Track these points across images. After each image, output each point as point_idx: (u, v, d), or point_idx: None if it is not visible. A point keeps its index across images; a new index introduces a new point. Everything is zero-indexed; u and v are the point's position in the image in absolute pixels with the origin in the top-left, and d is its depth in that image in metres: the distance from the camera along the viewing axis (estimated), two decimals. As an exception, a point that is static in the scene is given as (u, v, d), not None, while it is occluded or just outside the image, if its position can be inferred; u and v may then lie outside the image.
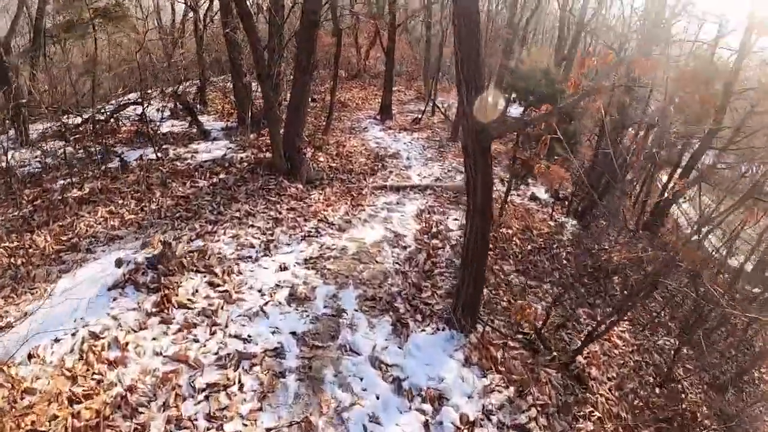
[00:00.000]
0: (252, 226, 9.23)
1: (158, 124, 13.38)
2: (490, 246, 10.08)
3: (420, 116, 20.24)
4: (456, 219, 11.33)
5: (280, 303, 6.91)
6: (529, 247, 10.81)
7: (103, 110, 12.25)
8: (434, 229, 10.47)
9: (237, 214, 9.54)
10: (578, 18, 24.28)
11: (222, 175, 10.76)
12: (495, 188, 14.36)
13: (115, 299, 6.58)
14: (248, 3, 13.89)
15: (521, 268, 9.94)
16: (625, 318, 10.20)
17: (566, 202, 14.77)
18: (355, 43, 26.04)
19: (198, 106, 15.94)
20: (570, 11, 26.37)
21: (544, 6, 31.26)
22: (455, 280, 8.39)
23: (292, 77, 11.05)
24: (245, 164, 11.27)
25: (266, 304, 6.85)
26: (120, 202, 9.51)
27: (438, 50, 22.31)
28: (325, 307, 7.06)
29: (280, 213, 9.83)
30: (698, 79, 16.33)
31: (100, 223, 8.86)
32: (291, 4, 16.80)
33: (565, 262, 10.92)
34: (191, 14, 16.94)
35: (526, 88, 10.45)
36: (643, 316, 11.05)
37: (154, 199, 9.67)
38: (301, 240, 8.96)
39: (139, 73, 13.24)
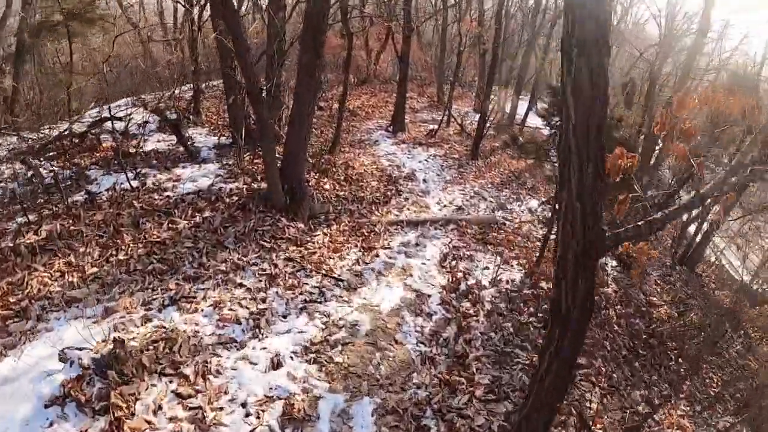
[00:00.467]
0: (240, 285, 7.34)
1: (142, 140, 11.48)
2: (529, 309, 8.20)
3: (436, 128, 18.23)
4: (487, 267, 9.40)
5: (269, 428, 4.97)
6: (575, 306, 8.86)
7: (70, 129, 10.27)
8: (463, 285, 8.56)
9: (223, 267, 7.64)
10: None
11: (207, 213, 8.82)
12: (525, 221, 12.57)
13: (51, 425, 4.68)
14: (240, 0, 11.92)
15: (569, 337, 7.99)
16: (682, 395, 8.40)
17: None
18: (365, 46, 24.03)
19: (190, 116, 14.02)
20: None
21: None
22: (496, 370, 6.48)
23: (293, 92, 9.10)
24: (235, 198, 9.32)
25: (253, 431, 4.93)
26: (82, 250, 7.60)
27: (455, 56, 20.29)
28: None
29: (275, 265, 7.92)
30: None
31: (56, 279, 6.97)
32: (293, 2, 14.82)
33: (615, 326, 8.98)
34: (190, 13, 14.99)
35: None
36: (700, 391, 9.16)
37: (122, 247, 7.77)
38: (301, 310, 7.04)
39: (118, 81, 11.40)
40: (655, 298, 11.00)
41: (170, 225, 8.44)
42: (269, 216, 9.06)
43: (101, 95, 13.13)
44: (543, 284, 9.11)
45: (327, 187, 10.96)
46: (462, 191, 13.44)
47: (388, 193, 12.08)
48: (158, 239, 8.04)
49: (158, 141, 12.17)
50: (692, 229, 15.46)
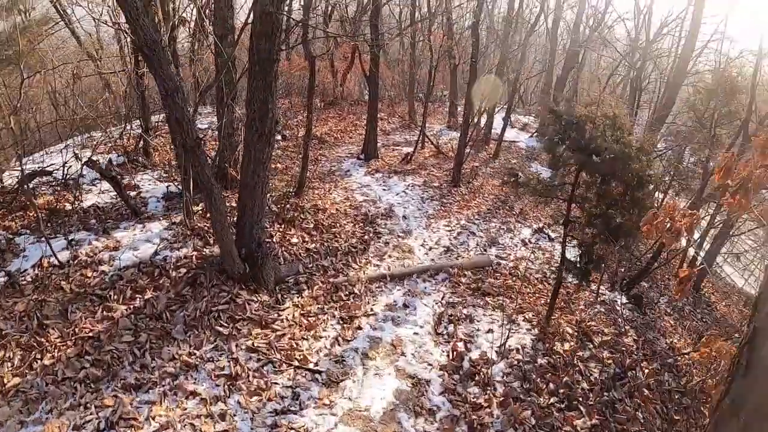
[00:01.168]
0: (193, 394, 5.61)
1: (80, 194, 9.59)
2: (548, 386, 6.61)
3: (411, 152, 16.65)
4: (491, 330, 7.79)
5: None
6: (598, 374, 7.31)
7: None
8: (466, 361, 6.93)
9: (170, 368, 5.90)
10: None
11: (149, 293, 7.00)
12: (521, 257, 11.06)
13: None
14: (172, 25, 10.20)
15: (598, 421, 6.41)
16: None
17: (616, 275, 11.32)
18: (330, 67, 22.43)
19: (138, 158, 12.15)
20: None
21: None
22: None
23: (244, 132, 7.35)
24: (183, 270, 7.51)
25: None
26: (1, 354, 5.76)
27: (426, 72, 18.83)
28: None
29: (236, 360, 6.19)
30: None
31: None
32: (242, 24, 13.09)
33: (646, 390, 7.43)
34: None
35: (580, 141, 6.96)
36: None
37: (48, 347, 5.95)
38: (272, 429, 5.30)
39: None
40: (676, 340, 9.54)
41: (105, 312, 6.61)
42: (225, 290, 7.29)
43: (30, 142, 11.21)
44: (558, 346, 7.54)
45: (294, 240, 9.22)
46: (447, 226, 11.84)
47: (366, 237, 10.41)
48: (91, 333, 6.23)
49: (101, 192, 10.25)
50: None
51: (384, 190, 13.56)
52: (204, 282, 7.32)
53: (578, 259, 7.82)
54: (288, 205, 10.19)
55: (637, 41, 22.19)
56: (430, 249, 10.59)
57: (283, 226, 9.50)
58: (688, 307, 12.66)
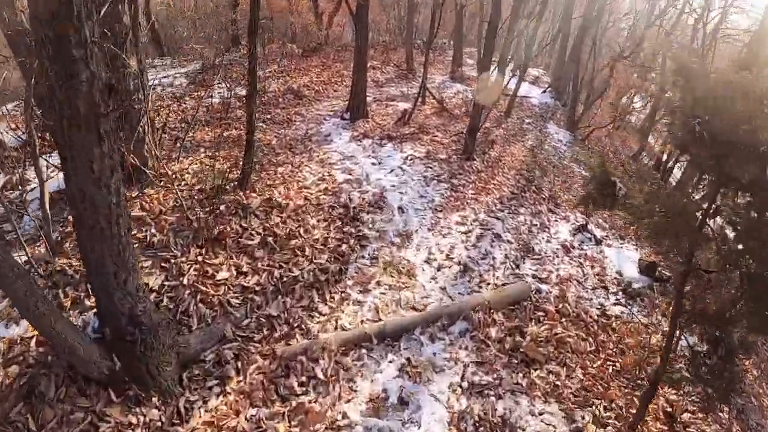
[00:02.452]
0: None
1: None
2: None
3: (410, 109, 12.65)
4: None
5: None
6: None
7: None
8: None
9: None
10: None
11: None
12: (568, 277, 7.33)
13: None
14: None
15: None
16: None
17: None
18: (314, 6, 17.97)
19: None
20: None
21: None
22: None
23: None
24: (16, 371, 3.82)
25: None
26: None
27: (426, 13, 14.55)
28: None
29: None
30: None
31: None
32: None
33: None
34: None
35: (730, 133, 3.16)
36: None
37: None
38: None
39: None
40: None
41: None
42: (83, 406, 3.66)
43: None
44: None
45: (223, 274, 5.45)
46: (462, 224, 8.11)
47: (344, 247, 6.70)
48: None
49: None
50: None
51: (374, 164, 9.73)
52: (48, 392, 3.65)
53: (700, 350, 4.11)
54: (221, 208, 6.36)
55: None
56: (439, 268, 6.90)
57: (204, 249, 5.69)
58: None
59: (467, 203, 8.89)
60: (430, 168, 9.77)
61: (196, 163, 7.87)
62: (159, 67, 15.05)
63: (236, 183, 6.95)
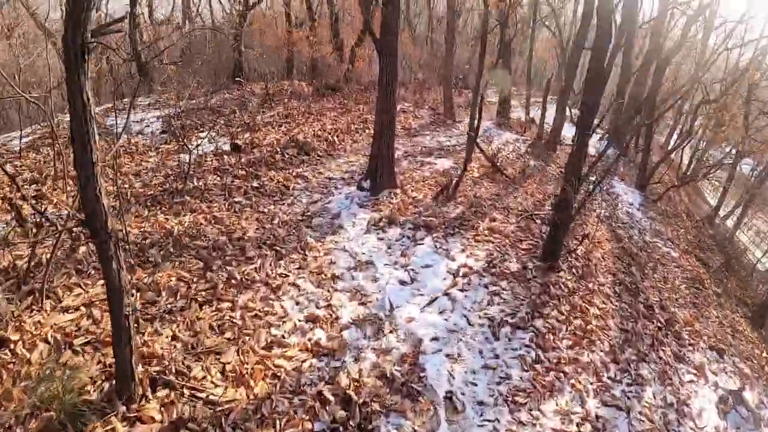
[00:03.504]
0: None
1: None
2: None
3: (455, 181, 8.65)
4: None
5: None
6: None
7: None
8: None
9: None
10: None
11: None
12: None
13: None
14: None
15: None
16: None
17: None
18: (332, 38, 14.41)
19: None
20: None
21: None
22: None
23: None
24: None
25: None
26: None
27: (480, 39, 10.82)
28: None
29: None
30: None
31: None
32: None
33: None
34: None
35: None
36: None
37: None
38: None
39: None
40: None
41: None
42: None
43: None
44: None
45: None
46: (564, 430, 4.00)
47: None
48: None
49: None
50: None
51: (403, 283, 5.77)
52: None
53: None
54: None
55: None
56: None
57: None
58: None
59: (564, 373, 4.78)
60: (497, 295, 5.72)
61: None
62: (139, 108, 11.56)
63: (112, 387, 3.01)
